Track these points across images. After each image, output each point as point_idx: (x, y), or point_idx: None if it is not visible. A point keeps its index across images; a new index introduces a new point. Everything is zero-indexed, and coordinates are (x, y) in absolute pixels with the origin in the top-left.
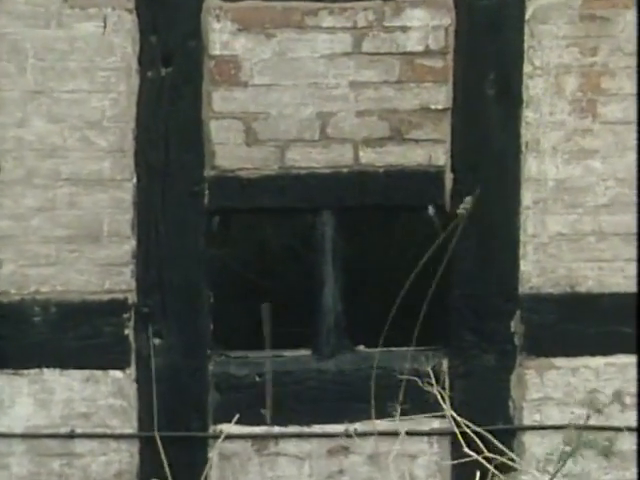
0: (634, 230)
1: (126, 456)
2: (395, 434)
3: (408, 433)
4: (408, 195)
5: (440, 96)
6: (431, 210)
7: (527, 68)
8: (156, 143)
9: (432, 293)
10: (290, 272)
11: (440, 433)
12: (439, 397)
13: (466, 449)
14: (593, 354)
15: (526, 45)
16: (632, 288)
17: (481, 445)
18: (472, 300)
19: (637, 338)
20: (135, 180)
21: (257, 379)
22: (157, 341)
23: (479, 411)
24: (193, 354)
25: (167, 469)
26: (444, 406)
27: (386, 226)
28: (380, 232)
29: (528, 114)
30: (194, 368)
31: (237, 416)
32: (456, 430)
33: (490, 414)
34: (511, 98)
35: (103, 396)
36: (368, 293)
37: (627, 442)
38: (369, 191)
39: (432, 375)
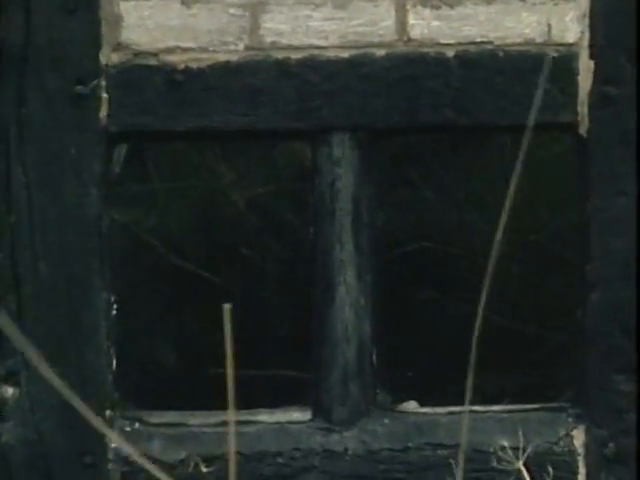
0: None
1: None
2: None
3: None
4: (504, 104)
5: None
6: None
7: None
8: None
9: (548, 300)
10: (270, 259)
11: None
12: None
13: None
14: None
15: None
16: None
17: None
18: (630, 314)
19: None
20: None
21: (205, 469)
22: (10, 391)
23: None
24: (80, 417)
25: None
26: None
27: (460, 166)
28: (446, 179)
29: None
30: (82, 446)
31: None
32: None
33: None
34: None
35: None
36: (421, 300)
37: None
38: (427, 96)
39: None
